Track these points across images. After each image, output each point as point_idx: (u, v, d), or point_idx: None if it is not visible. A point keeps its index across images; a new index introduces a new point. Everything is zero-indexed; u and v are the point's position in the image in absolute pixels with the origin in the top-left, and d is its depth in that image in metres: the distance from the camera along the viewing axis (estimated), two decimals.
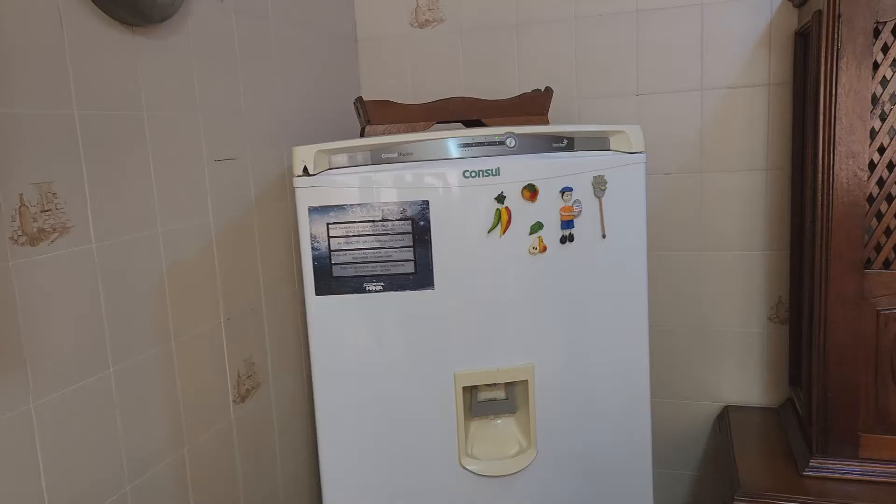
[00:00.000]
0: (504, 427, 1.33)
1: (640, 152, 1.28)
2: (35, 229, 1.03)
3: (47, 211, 1.05)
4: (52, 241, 1.06)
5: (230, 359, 1.47)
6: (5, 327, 0.99)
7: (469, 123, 1.45)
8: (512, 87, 1.83)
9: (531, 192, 1.23)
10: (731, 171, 1.75)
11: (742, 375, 1.84)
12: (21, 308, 1.01)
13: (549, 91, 1.43)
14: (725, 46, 1.70)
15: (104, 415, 1.16)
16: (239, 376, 1.50)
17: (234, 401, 1.49)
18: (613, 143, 1.29)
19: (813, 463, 1.46)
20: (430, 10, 1.89)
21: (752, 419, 1.79)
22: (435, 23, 1.89)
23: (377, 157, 1.23)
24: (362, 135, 1.40)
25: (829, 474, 1.44)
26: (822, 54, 1.32)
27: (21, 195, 1.01)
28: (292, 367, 1.68)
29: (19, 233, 1.00)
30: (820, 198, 1.36)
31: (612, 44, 1.77)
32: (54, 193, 1.06)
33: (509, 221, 1.23)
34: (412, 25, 1.91)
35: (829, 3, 1.28)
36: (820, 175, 1.36)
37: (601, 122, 1.79)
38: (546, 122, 1.44)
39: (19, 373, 1.01)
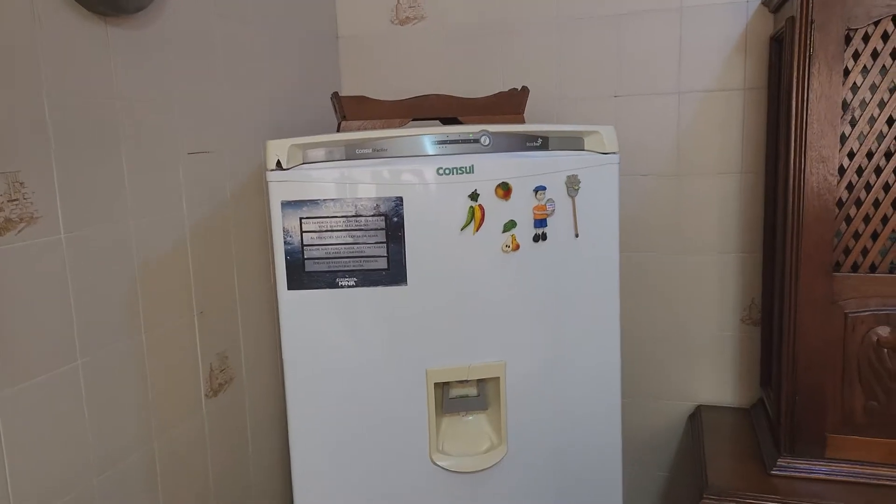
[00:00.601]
0: (475, 424, 1.34)
1: (614, 153, 1.29)
2: (2, 219, 1.02)
3: (14, 200, 1.04)
4: (20, 231, 1.05)
5: (203, 353, 1.46)
6: None
7: (446, 121, 1.45)
8: (493, 87, 1.83)
9: (505, 190, 1.23)
10: (706, 174, 1.76)
11: (715, 376, 1.85)
12: None
13: (525, 90, 1.44)
14: (703, 50, 1.72)
15: (71, 407, 1.15)
16: (212, 370, 1.49)
17: (206, 395, 1.48)
18: (588, 143, 1.29)
19: (781, 462, 1.48)
20: (410, 7, 1.89)
21: (724, 419, 1.81)
22: (416, 20, 1.89)
23: (352, 153, 1.23)
24: (339, 130, 1.40)
25: (797, 474, 1.46)
26: (795, 59, 1.33)
27: None
28: (267, 362, 1.68)
29: None
30: (791, 201, 1.38)
31: (592, 46, 1.78)
32: (21, 183, 1.05)
33: (482, 219, 1.23)
34: (393, 23, 1.91)
35: (802, 10, 1.29)
36: (791, 179, 1.37)
37: (581, 123, 1.79)
38: (522, 122, 1.45)
39: None
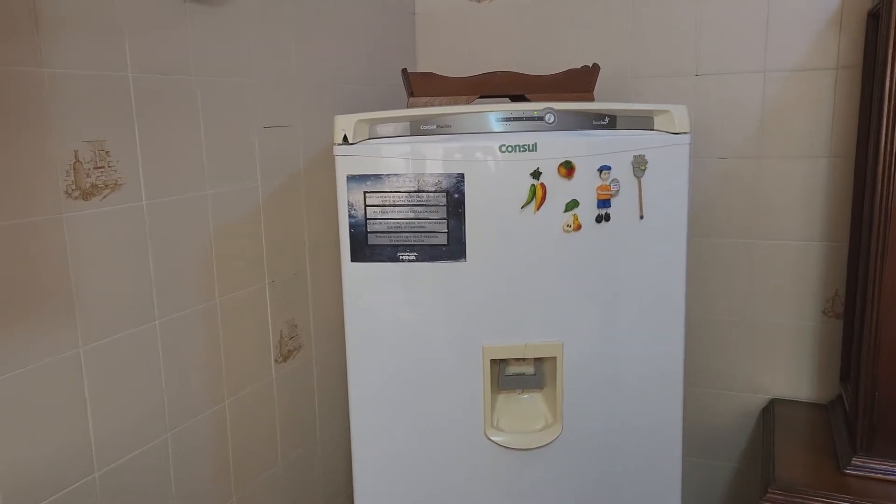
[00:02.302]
0: (531, 402, 1.34)
1: (685, 133, 1.25)
2: (88, 185, 1.09)
3: (100, 168, 1.11)
4: (104, 197, 1.12)
5: (273, 320, 1.52)
6: (57, 276, 1.06)
7: (514, 99, 1.44)
8: (564, 65, 1.80)
9: (567, 168, 1.22)
10: (790, 157, 1.69)
11: (792, 369, 1.78)
12: (72, 258, 1.07)
13: (595, 68, 1.41)
14: (792, 26, 1.63)
15: (149, 364, 1.22)
16: (282, 337, 1.55)
17: (276, 360, 1.54)
18: (657, 122, 1.26)
19: (856, 461, 1.41)
20: None
21: (798, 414, 1.74)
22: None
23: (416, 129, 1.24)
24: (407, 107, 1.41)
25: (872, 474, 1.39)
26: (891, 35, 1.25)
27: (76, 152, 1.07)
28: (334, 331, 1.73)
29: (73, 187, 1.07)
30: (879, 187, 1.30)
31: (670, 23, 1.73)
32: (107, 151, 1.13)
33: (544, 198, 1.23)
34: (470, 0, 1.90)
35: None
36: (881, 163, 1.29)
37: (657, 102, 1.75)
38: (591, 100, 1.42)
39: (69, 318, 1.08)
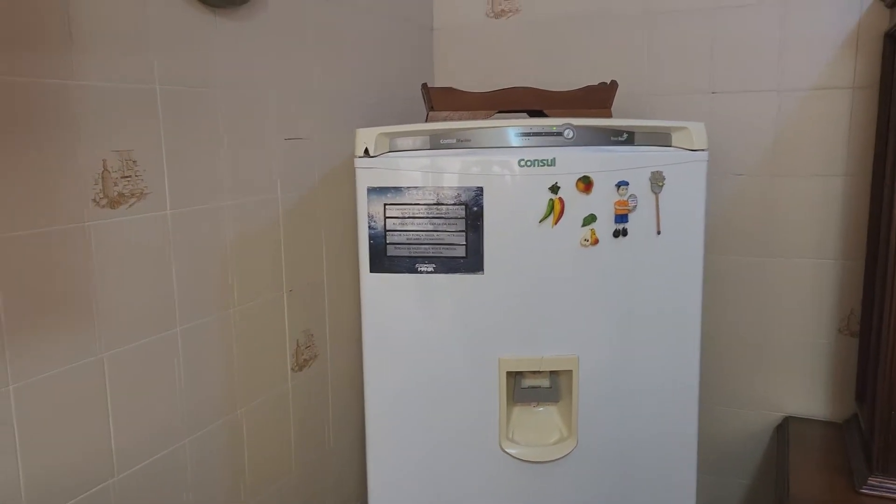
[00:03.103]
0: (546, 415, 1.34)
1: (703, 150, 1.26)
2: (115, 193, 1.11)
3: (127, 177, 1.13)
4: (131, 206, 1.14)
5: (290, 329, 1.53)
6: (82, 282, 1.08)
7: (532, 114, 1.46)
8: (581, 81, 1.80)
9: (586, 183, 1.23)
10: (805, 176, 1.69)
11: (807, 387, 1.77)
12: (97, 265, 1.09)
13: (613, 84, 1.42)
14: (808, 46, 1.64)
15: (168, 371, 1.23)
16: (298, 346, 1.56)
17: (292, 368, 1.55)
18: (675, 139, 1.27)
19: (872, 481, 1.41)
20: (506, 0, 1.90)
21: (813, 432, 1.73)
22: (510, 13, 1.90)
23: (436, 143, 1.26)
24: (427, 121, 1.43)
25: (888, 494, 1.39)
26: None
27: (105, 161, 1.09)
28: (349, 341, 1.73)
29: (101, 196, 1.09)
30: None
31: (686, 41, 1.74)
32: (134, 161, 1.15)
33: (562, 212, 1.24)
34: (488, 16, 1.93)
35: None
36: None
37: (672, 119, 1.76)
38: (609, 116, 1.43)
39: (91, 324, 1.10)
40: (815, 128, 1.66)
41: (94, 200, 1.08)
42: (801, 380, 1.77)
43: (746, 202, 1.75)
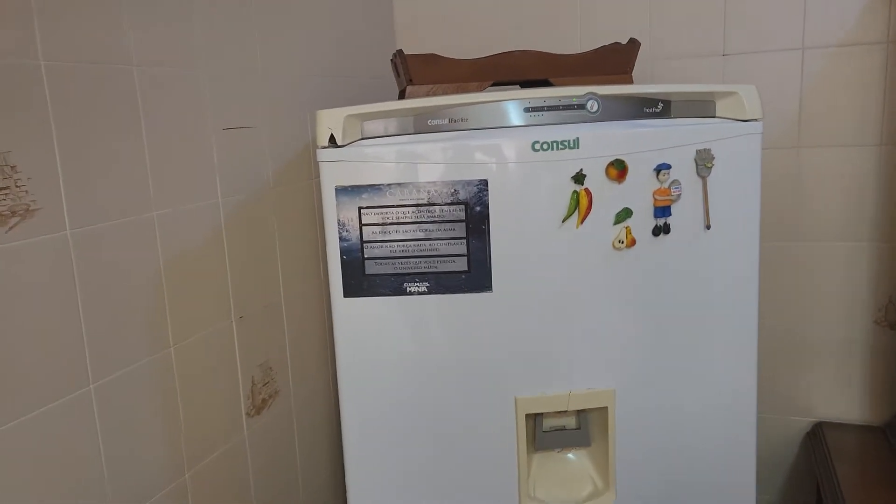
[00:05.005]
0: (575, 462, 1.09)
1: (756, 120, 1.02)
2: None
3: (4, 189, 0.83)
4: (11, 228, 0.85)
5: (243, 364, 1.27)
6: None
7: (532, 84, 1.19)
8: (573, 43, 1.60)
9: (619, 170, 0.97)
10: (835, 147, 1.52)
11: (840, 387, 1.61)
12: None
13: (634, 44, 1.16)
14: None
15: (83, 442, 0.95)
16: (254, 384, 1.30)
17: (247, 413, 1.28)
18: (721, 108, 1.03)
19: None
20: None
21: (850, 438, 1.57)
22: None
23: (422, 125, 0.99)
24: (402, 97, 1.15)
25: None
26: None
27: None
28: (317, 371, 1.50)
29: None
30: None
31: None
32: (13, 167, 0.85)
33: (589, 208, 0.99)
34: None
35: None
36: None
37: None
38: (630, 83, 1.17)
39: None
40: (845, 91, 1.49)
41: None
42: (833, 379, 1.61)
43: (768, 179, 1.55)
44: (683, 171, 1.00)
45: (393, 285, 1.00)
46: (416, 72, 1.10)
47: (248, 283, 1.28)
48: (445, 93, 1.12)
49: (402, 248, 0.99)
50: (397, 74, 1.18)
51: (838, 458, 1.47)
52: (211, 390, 1.20)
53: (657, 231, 1.01)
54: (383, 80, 1.59)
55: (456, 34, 1.70)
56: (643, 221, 1.01)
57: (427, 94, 1.12)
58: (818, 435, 1.58)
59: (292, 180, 1.38)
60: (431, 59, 1.10)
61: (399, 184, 0.97)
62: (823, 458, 1.50)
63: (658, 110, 1.00)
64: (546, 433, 1.08)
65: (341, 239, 0.98)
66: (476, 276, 1.00)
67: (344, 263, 0.99)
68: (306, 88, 1.41)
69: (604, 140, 0.98)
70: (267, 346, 1.34)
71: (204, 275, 1.17)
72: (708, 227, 1.02)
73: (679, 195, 1.00)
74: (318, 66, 1.44)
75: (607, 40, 1.36)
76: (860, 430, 1.58)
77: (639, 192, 1.00)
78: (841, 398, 1.60)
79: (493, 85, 1.14)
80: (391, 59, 1.18)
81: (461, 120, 0.98)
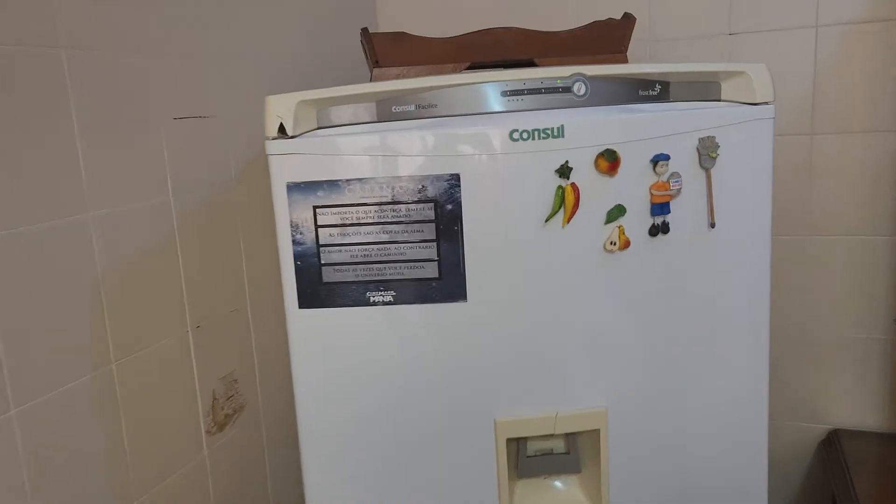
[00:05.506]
0: (564, 491, 0.98)
1: (767, 103, 0.91)
2: None
3: None
4: None
5: (202, 378, 1.17)
6: None
7: (514, 66, 1.07)
8: (564, 21, 1.50)
9: (610, 161, 0.86)
10: (851, 133, 1.46)
11: (857, 392, 1.54)
12: None
13: (629, 19, 1.04)
14: None
15: (5, 478, 0.83)
16: (215, 399, 1.19)
17: (207, 431, 1.18)
18: (726, 90, 0.91)
19: None
20: None
21: (868, 447, 1.52)
22: None
23: (386, 112, 0.87)
24: (372, 80, 1.03)
25: None
26: None
27: None
28: (289, 381, 1.36)
29: None
30: None
31: None
32: None
33: (576, 205, 0.88)
34: None
35: None
36: None
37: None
38: (625, 63, 1.05)
39: None
40: (861, 72, 1.42)
41: None
42: (849, 383, 1.55)
43: (779, 168, 1.48)
44: (684, 162, 0.89)
45: (354, 295, 0.88)
46: (382, 52, 0.98)
47: (208, 290, 1.17)
48: (417, 76, 1.00)
49: (364, 253, 0.87)
50: (366, 55, 1.06)
51: (855, 468, 1.42)
52: (164, 408, 1.09)
53: (654, 231, 0.90)
54: (360, 63, 1.49)
55: (442, 13, 1.61)
56: (638, 220, 0.89)
57: (397, 77, 1.00)
58: (833, 443, 1.52)
59: (260, 176, 1.27)
60: (400, 38, 0.99)
61: (359, 179, 0.86)
62: (839, 469, 1.44)
63: (655, 93, 0.89)
64: (530, 458, 0.97)
65: (294, 242, 0.87)
66: (448, 284, 0.88)
67: (298, 270, 0.88)
68: (276, 73, 1.30)
69: (592, 127, 0.86)
70: (231, 357, 1.23)
71: (153, 282, 1.07)
72: (712, 226, 0.91)
73: (679, 190, 0.89)
74: (288, 48, 1.33)
75: (601, 18, 1.26)
76: (879, 438, 1.51)
77: (633, 186, 0.88)
78: (858, 403, 1.54)
79: (472, 67, 1.03)
80: (360, 39, 1.06)
81: (430, 106, 0.86)
